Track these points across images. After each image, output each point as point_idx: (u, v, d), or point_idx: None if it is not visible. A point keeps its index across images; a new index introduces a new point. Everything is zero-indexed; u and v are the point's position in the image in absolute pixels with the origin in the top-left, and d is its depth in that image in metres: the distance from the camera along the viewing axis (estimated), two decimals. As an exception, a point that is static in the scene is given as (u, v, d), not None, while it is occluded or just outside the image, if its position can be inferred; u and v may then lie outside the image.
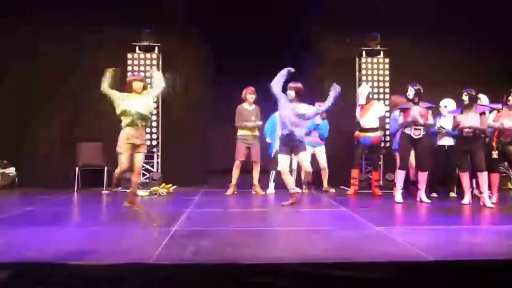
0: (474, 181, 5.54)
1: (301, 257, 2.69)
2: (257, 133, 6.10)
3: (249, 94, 6.05)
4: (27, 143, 6.81)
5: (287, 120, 4.93)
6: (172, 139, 6.98)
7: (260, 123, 6.08)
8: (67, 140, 6.70)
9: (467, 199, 5.15)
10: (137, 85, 4.65)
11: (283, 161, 5.01)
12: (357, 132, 6.24)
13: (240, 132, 6.06)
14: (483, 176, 5.04)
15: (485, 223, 4.25)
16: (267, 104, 6.89)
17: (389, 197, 5.84)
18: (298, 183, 5.82)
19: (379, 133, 6.20)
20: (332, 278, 2.38)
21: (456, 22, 7.20)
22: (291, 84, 5.06)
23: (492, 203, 5.18)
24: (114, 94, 4.58)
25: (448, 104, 5.79)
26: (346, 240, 3.25)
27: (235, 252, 2.86)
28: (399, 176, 5.36)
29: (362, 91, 6.31)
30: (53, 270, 2.46)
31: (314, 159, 6.39)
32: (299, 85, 5.06)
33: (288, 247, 3.11)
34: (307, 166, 5.09)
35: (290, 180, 5.04)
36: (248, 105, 6.09)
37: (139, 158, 4.64)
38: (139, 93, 4.64)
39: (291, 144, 4.98)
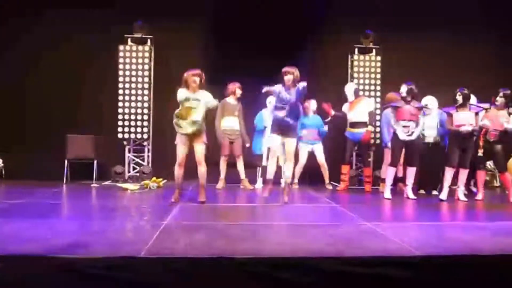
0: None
1: (294, 251, 2.72)
2: (238, 127, 6.12)
3: (238, 88, 6.09)
4: (15, 134, 6.71)
5: None
6: (163, 132, 6.95)
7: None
8: (57, 132, 6.60)
9: (444, 195, 5.24)
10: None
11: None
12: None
13: (223, 127, 6.08)
14: (465, 173, 5.29)
15: (472, 220, 4.34)
16: (256, 100, 6.91)
17: (377, 193, 5.93)
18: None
19: (368, 129, 6.25)
20: (325, 272, 2.41)
21: (448, 20, 7.29)
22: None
23: (478, 199, 5.35)
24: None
25: (432, 102, 5.86)
26: (337, 235, 3.29)
27: (230, 246, 2.87)
28: (390, 172, 5.42)
29: (347, 89, 6.38)
30: (43, 263, 2.45)
31: (312, 156, 6.43)
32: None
33: (281, 241, 3.13)
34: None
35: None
36: (232, 100, 6.11)
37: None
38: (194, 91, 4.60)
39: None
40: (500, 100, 5.25)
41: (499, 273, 2.62)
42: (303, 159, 6.42)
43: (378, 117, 7.01)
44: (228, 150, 6.09)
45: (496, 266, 2.65)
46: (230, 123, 6.07)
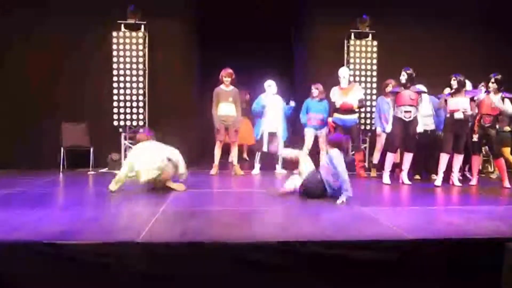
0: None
1: (289, 236, 2.76)
2: (234, 113, 6.13)
3: (225, 76, 6.08)
4: (9, 123, 6.67)
5: None
6: (158, 119, 6.95)
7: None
8: (52, 120, 6.57)
9: (439, 181, 5.30)
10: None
11: None
12: (330, 120, 6.22)
13: (218, 113, 6.11)
14: (459, 158, 5.34)
15: (464, 204, 4.38)
16: (253, 86, 6.88)
17: (372, 178, 5.98)
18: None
19: (357, 115, 6.27)
20: (319, 256, 2.45)
21: (444, 6, 7.24)
22: None
23: (472, 185, 5.40)
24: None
25: (422, 89, 5.83)
26: (330, 219, 3.33)
27: (224, 231, 2.91)
28: (389, 158, 5.46)
29: (345, 74, 6.20)
30: (42, 249, 2.48)
31: (316, 142, 6.39)
32: None
33: (274, 226, 3.17)
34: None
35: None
36: (225, 87, 6.12)
37: None
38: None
39: None
40: (492, 85, 5.27)
41: (489, 255, 2.67)
42: (308, 143, 6.36)
43: (369, 103, 7.06)
44: (223, 136, 6.14)
45: (487, 249, 2.71)
46: (224, 110, 6.09)
